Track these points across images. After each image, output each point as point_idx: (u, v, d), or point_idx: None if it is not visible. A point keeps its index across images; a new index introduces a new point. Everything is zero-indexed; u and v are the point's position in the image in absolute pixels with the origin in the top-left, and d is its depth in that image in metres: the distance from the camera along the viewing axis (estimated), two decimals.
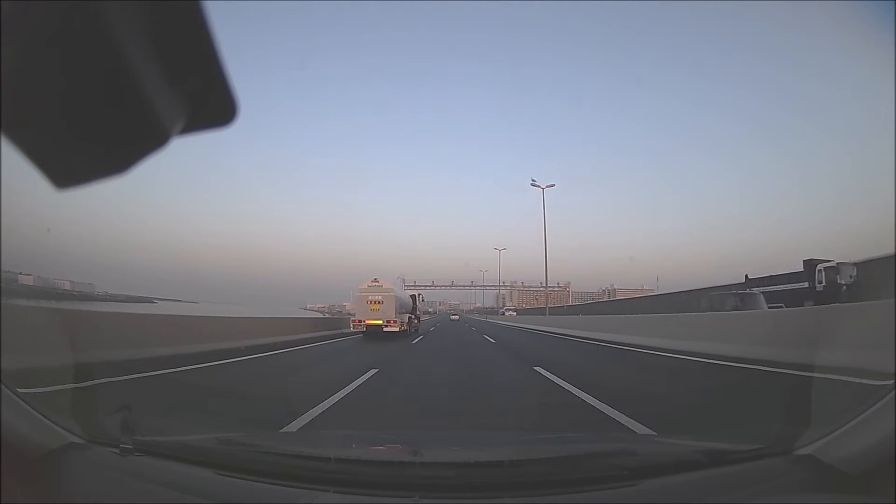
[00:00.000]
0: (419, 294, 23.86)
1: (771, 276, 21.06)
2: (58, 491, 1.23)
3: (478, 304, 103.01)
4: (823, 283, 17.10)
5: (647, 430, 3.26)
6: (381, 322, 15.85)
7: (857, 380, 2.75)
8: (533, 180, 31.07)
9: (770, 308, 16.35)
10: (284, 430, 3.31)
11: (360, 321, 16.24)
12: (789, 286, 19.21)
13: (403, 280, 26.39)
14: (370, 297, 16.49)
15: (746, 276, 21.77)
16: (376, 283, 16.88)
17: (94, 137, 0.54)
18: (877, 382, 1.38)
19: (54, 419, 1.40)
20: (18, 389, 1.34)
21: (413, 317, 20.36)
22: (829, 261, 17.61)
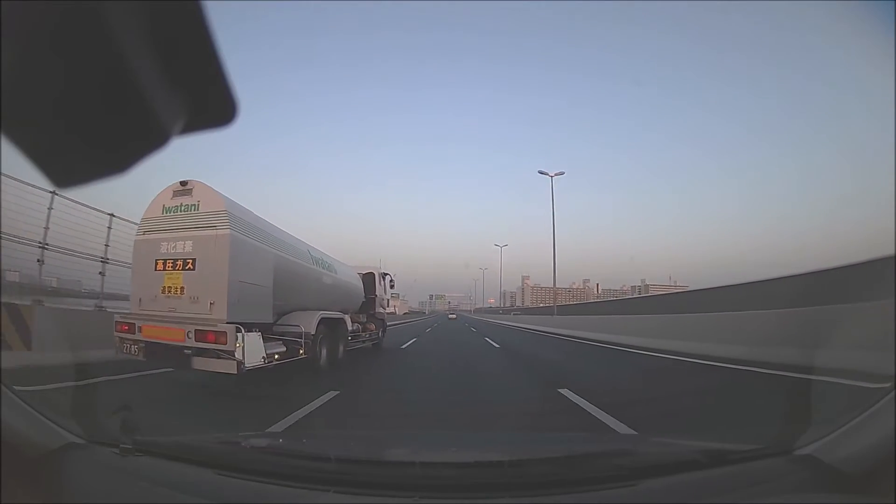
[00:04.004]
0: (385, 274, 12.12)
1: None
2: (58, 491, 1.23)
3: (492, 301, 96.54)
4: None
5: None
6: (181, 334, 4.85)
7: (855, 383, 2.76)
8: (541, 171, 27.17)
9: None
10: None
11: (128, 326, 5.18)
12: None
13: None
14: (163, 250, 5.30)
15: None
16: (184, 196, 5.34)
17: (94, 137, 0.54)
18: (875, 385, 1.38)
19: (54, 419, 1.40)
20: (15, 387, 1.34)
21: (361, 321, 9.82)
22: None
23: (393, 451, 1.72)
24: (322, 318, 6.79)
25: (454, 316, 69.80)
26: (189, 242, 5.23)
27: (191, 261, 5.19)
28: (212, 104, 0.57)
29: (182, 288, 5.17)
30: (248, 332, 4.97)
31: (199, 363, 4.93)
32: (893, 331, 3.67)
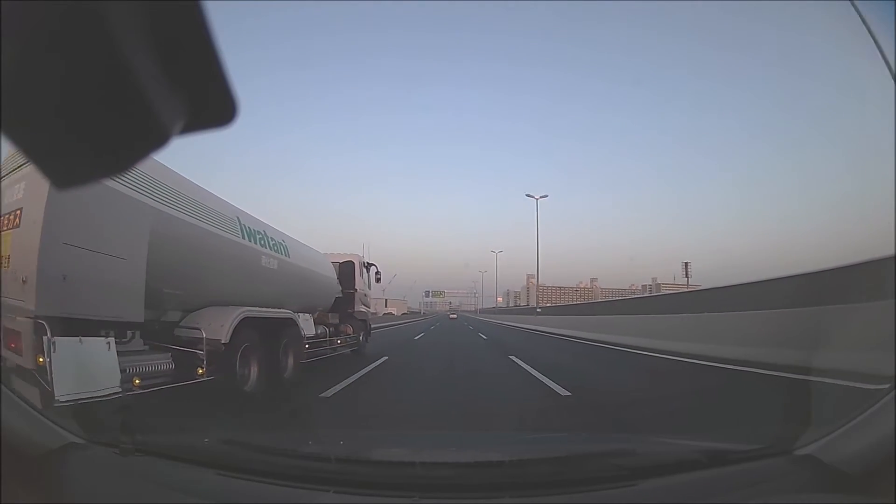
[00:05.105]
0: (369, 265, 10.15)
1: None
2: (58, 491, 1.23)
3: (500, 300, 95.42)
4: None
5: None
6: None
7: (855, 383, 2.76)
8: None
9: None
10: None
11: None
12: None
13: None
14: (5, 201, 3.21)
15: None
16: None
17: (95, 137, 0.54)
18: (875, 385, 1.38)
19: (54, 419, 1.41)
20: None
21: (331, 323, 7.98)
22: None
23: (393, 451, 1.72)
24: (245, 317, 4.47)
25: (455, 316, 71.83)
26: (22, 185, 3.23)
27: (18, 212, 3.17)
28: (212, 104, 0.57)
29: (8, 257, 3.19)
30: (84, 336, 3.02)
31: (20, 385, 2.82)
32: (893, 331, 3.67)
